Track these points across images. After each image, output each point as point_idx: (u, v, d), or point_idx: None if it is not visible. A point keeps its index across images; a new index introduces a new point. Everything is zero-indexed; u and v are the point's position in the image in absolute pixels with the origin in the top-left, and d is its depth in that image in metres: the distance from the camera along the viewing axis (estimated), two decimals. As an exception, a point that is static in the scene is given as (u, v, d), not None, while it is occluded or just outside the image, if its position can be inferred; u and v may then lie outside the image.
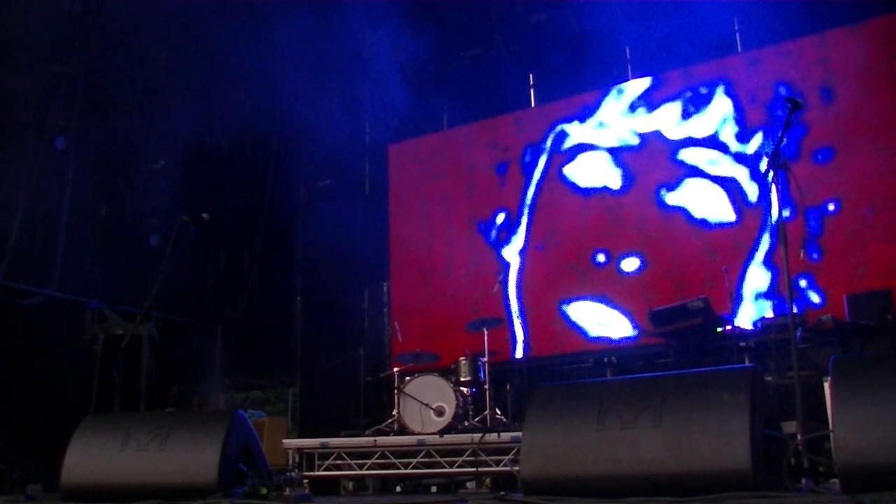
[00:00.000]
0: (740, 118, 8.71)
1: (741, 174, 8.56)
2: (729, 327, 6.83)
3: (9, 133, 8.45)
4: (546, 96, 10.22)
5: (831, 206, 8.01)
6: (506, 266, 9.63)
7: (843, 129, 8.11)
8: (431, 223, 10.33)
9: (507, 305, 9.48)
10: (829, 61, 8.37)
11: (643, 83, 9.41)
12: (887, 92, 7.96)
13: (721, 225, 8.55)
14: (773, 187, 4.54)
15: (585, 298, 9.11)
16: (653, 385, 3.44)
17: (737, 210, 8.51)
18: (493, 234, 9.94)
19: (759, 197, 8.34)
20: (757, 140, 8.54)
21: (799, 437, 3.88)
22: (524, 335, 9.27)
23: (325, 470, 6.87)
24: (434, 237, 10.26)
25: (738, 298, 8.03)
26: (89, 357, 7.53)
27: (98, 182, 9.18)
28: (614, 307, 8.91)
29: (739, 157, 8.60)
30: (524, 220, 9.79)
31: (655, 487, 3.11)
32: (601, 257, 9.14)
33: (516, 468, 5.37)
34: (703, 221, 8.66)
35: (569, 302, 9.19)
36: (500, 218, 9.93)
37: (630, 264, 8.95)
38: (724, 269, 7.33)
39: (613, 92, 9.55)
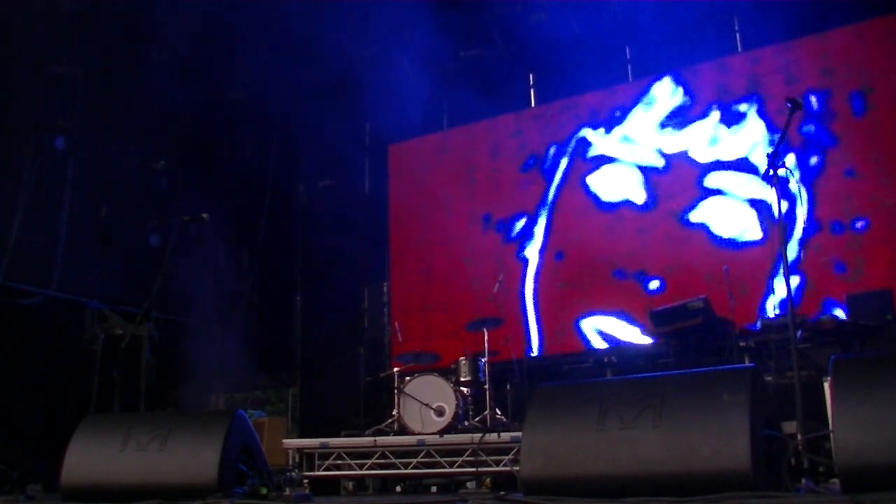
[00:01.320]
0: (773, 140, 8.47)
1: (770, 196, 8.41)
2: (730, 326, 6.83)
3: (9, 133, 8.45)
4: (546, 96, 10.22)
5: (860, 224, 7.89)
6: (524, 262, 9.59)
7: (875, 143, 7.99)
8: (431, 223, 10.32)
9: (523, 303, 9.45)
10: (847, 65, 8.23)
11: (673, 98, 9.21)
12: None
13: (747, 244, 8.41)
14: (773, 189, 4.55)
15: (603, 313, 9.02)
16: (653, 385, 3.44)
17: (764, 229, 8.36)
18: (511, 232, 9.87)
19: (785, 214, 8.16)
20: (789, 162, 8.21)
21: (799, 437, 3.88)
22: (539, 335, 9.25)
23: (325, 470, 6.87)
24: (434, 237, 10.26)
25: (762, 311, 7.98)
26: (89, 357, 7.53)
27: (98, 182, 9.18)
28: (633, 323, 8.76)
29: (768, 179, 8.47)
30: (542, 220, 9.68)
31: (655, 487, 3.11)
32: (621, 274, 9.01)
33: (516, 468, 5.36)
34: (729, 241, 8.53)
35: (585, 316, 9.11)
36: (521, 223, 9.85)
37: (651, 283, 8.83)
38: (724, 269, 7.28)
39: (641, 104, 9.38)
